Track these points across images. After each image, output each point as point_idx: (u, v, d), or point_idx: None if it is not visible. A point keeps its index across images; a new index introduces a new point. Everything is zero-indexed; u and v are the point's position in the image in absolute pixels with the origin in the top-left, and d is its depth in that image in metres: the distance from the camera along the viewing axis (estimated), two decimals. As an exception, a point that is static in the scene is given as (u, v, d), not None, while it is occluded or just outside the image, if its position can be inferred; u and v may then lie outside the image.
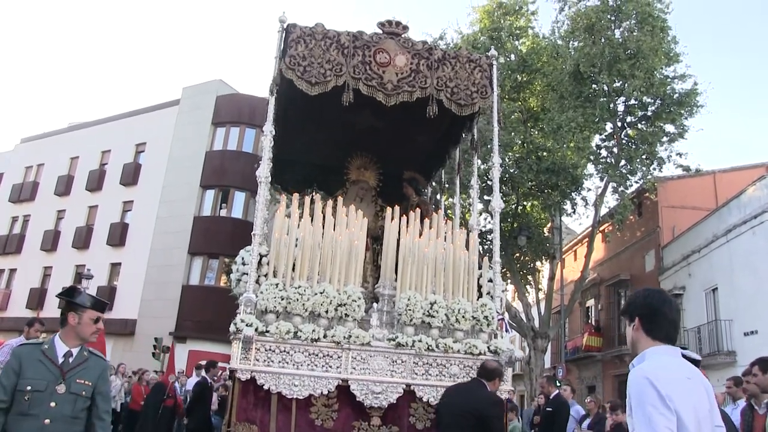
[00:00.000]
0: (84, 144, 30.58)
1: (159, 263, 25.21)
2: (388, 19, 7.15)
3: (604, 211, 20.98)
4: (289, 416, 5.63)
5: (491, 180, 11.25)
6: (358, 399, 5.70)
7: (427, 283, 6.31)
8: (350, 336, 5.78)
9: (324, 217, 6.33)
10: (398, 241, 6.49)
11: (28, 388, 3.21)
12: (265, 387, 5.58)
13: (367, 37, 6.89)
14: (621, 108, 19.96)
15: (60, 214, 30.43)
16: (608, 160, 19.99)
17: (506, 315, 6.75)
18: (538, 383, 14.07)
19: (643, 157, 19.14)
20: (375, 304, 6.31)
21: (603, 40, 18.84)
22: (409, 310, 6.04)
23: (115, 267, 27.32)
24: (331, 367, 5.74)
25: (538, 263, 22.87)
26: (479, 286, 6.65)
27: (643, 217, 23.55)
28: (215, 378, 10.77)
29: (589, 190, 21.41)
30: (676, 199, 22.05)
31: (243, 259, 6.29)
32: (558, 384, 10.99)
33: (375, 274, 7.73)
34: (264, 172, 6.52)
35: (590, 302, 27.60)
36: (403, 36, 7.02)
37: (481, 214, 18.83)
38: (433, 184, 10.66)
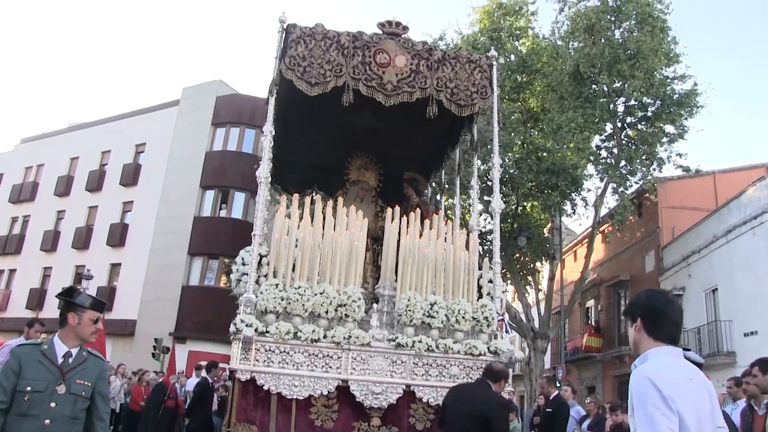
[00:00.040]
0: (84, 144, 30.57)
1: (159, 264, 25.20)
2: (388, 20, 7.15)
3: (604, 211, 20.98)
4: (289, 417, 5.63)
5: (491, 180, 11.26)
6: (358, 399, 5.70)
7: (427, 283, 6.31)
8: (350, 336, 5.78)
9: (324, 217, 6.33)
10: (398, 241, 6.49)
11: (28, 388, 3.20)
12: (265, 387, 5.58)
13: (367, 37, 6.90)
14: (621, 108, 19.96)
15: (60, 214, 30.41)
16: (608, 160, 19.98)
17: (506, 316, 6.75)
18: (538, 384, 14.05)
19: (643, 157, 19.14)
20: (375, 305, 6.31)
21: (603, 40, 18.84)
22: (409, 310, 6.04)
23: (114, 267, 27.31)
24: (331, 367, 5.74)
25: (538, 264, 22.86)
26: (479, 287, 6.65)
27: (643, 218, 23.55)
28: (215, 379, 10.77)
29: (589, 190, 21.43)
30: (676, 199, 22.04)
31: (243, 259, 6.29)
32: (558, 385, 11.00)
33: (375, 274, 7.73)
34: (264, 172, 6.52)
35: (590, 303, 27.59)
36: (403, 36, 7.03)
37: (481, 214, 18.84)
38: (433, 184, 10.66)
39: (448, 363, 6.01)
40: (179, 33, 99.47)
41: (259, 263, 6.11)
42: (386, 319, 6.25)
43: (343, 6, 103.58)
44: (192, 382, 12.94)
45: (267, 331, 5.67)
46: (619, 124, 19.97)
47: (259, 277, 6.07)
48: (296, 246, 6.13)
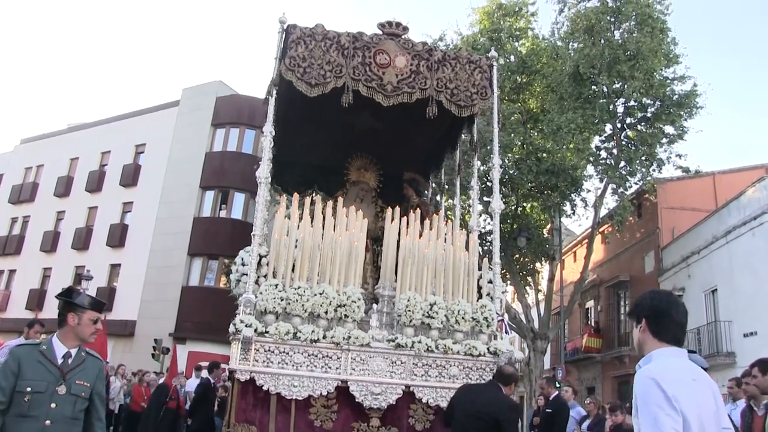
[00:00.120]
0: (84, 145, 30.57)
1: (159, 264, 25.20)
2: (388, 20, 7.16)
3: (603, 212, 20.98)
4: (289, 417, 5.63)
5: (491, 181, 11.25)
6: (357, 400, 5.70)
7: (427, 284, 6.30)
8: (350, 337, 5.78)
9: (324, 218, 6.33)
10: (398, 242, 6.49)
11: (28, 389, 3.19)
12: (265, 388, 5.58)
13: (367, 38, 6.90)
14: (621, 109, 19.96)
15: (60, 215, 30.41)
16: (608, 161, 19.98)
17: (506, 316, 6.75)
18: (538, 384, 14.05)
19: (643, 158, 19.14)
20: (375, 305, 6.31)
21: (603, 41, 18.84)
22: (409, 311, 6.04)
23: (114, 268, 27.30)
24: (330, 368, 5.74)
25: (537, 264, 22.85)
26: (479, 288, 6.65)
27: (643, 219, 23.55)
28: (216, 379, 10.77)
29: (589, 191, 21.43)
30: (675, 200, 22.04)
31: (242, 259, 6.29)
32: (558, 385, 11.00)
33: (375, 275, 7.73)
34: (264, 172, 6.52)
35: (590, 303, 27.59)
36: (403, 37, 7.03)
37: (480, 215, 18.83)
38: (433, 185, 10.66)
39: (447, 363, 6.01)
40: (179, 33, 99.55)
41: (259, 263, 6.11)
42: (386, 320, 6.25)
43: (343, 6, 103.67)
44: (192, 383, 12.93)
45: (266, 332, 5.67)
46: (618, 125, 19.97)
47: (258, 277, 6.07)
48: (296, 246, 6.13)
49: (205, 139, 26.65)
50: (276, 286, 5.83)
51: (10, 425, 3.17)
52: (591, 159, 19.71)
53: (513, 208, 20.77)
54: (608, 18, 18.99)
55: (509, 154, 19.47)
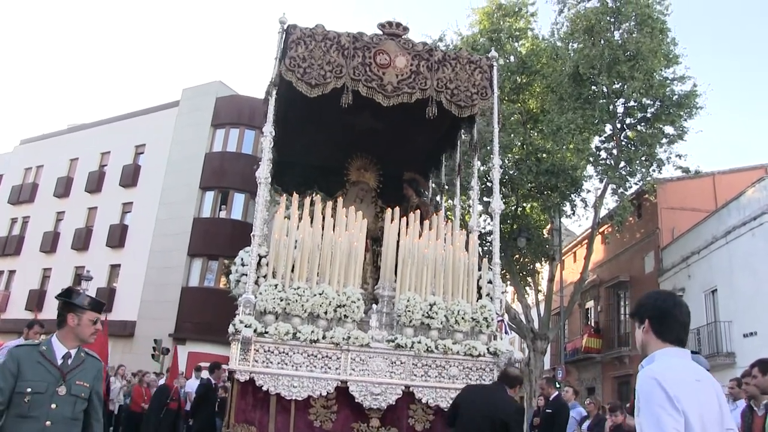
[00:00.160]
0: (83, 145, 30.57)
1: (158, 265, 25.19)
2: (388, 21, 7.16)
3: (603, 212, 20.98)
4: (288, 417, 5.63)
5: (491, 181, 11.25)
6: (357, 400, 5.70)
7: (427, 284, 6.30)
8: (349, 337, 5.78)
9: (323, 218, 6.32)
10: (398, 242, 6.49)
11: (28, 390, 3.18)
12: (264, 388, 5.58)
13: (368, 38, 6.90)
14: (620, 109, 19.97)
15: (59, 215, 30.40)
16: (608, 161, 19.99)
17: (506, 316, 6.74)
18: (538, 385, 14.05)
19: (643, 158, 19.14)
20: (374, 306, 6.30)
21: (602, 41, 18.84)
22: (409, 311, 6.03)
23: (114, 268, 27.29)
24: (330, 368, 5.74)
25: (537, 265, 22.85)
26: (479, 288, 6.64)
27: (643, 219, 23.55)
28: (217, 380, 10.76)
29: (589, 191, 21.42)
30: (675, 200, 22.04)
31: (242, 260, 6.29)
32: (558, 386, 10.99)
33: (375, 275, 7.72)
34: (263, 173, 6.52)
35: (590, 304, 27.58)
36: (403, 37, 7.03)
37: (480, 215, 18.83)
38: (433, 185, 10.66)
39: (447, 364, 6.00)
40: (179, 34, 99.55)
41: (259, 264, 6.10)
42: (385, 320, 6.25)
43: (343, 6, 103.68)
44: (191, 384, 12.93)
45: (266, 332, 5.67)
46: (618, 125, 19.97)
47: (258, 277, 6.07)
48: (295, 247, 6.13)
49: (204, 139, 26.65)
50: (275, 286, 5.83)
51: (11, 426, 3.16)
52: (591, 159, 19.71)
53: (513, 208, 20.77)
54: (608, 18, 18.99)
55: (509, 155, 19.47)
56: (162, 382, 14.19)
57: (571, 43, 19.93)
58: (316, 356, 5.74)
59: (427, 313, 6.06)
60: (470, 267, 6.56)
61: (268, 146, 6.81)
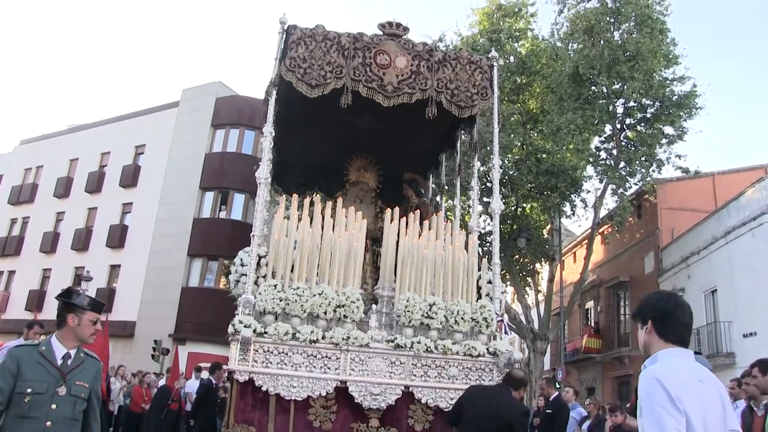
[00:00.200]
0: (83, 146, 30.57)
1: (158, 265, 25.19)
2: (388, 21, 7.15)
3: (603, 212, 20.98)
4: (288, 418, 5.62)
5: (491, 182, 11.25)
6: (356, 400, 5.69)
7: (426, 284, 6.30)
8: (349, 337, 5.77)
9: (323, 218, 6.32)
10: (398, 242, 6.48)
11: (29, 390, 3.18)
12: (264, 388, 5.57)
13: (368, 38, 6.89)
14: (620, 110, 19.97)
15: (59, 215, 30.41)
16: (607, 162, 19.99)
17: (506, 317, 6.74)
18: (538, 385, 14.05)
19: (643, 159, 19.15)
20: (374, 306, 6.30)
21: (602, 42, 18.85)
22: (408, 311, 6.03)
23: (114, 269, 27.29)
24: (329, 368, 5.73)
25: (537, 265, 22.85)
26: (478, 288, 6.64)
27: (643, 219, 23.55)
28: (218, 380, 10.76)
29: (589, 192, 21.43)
30: (675, 200, 22.04)
31: (241, 260, 6.29)
32: (558, 386, 10.99)
33: (375, 275, 7.72)
34: (263, 173, 6.51)
35: (590, 304, 27.58)
36: (403, 37, 7.03)
37: (480, 215, 18.83)
38: (433, 186, 10.66)
39: (447, 364, 5.99)
40: (179, 34, 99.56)
41: (258, 264, 6.10)
42: (385, 320, 6.24)
43: (343, 6, 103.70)
44: (191, 384, 12.93)
45: (265, 332, 5.66)
46: (618, 126, 19.98)
47: (257, 278, 6.06)
48: (295, 247, 6.12)
49: (204, 139, 26.65)
50: (275, 286, 5.83)
51: (11, 426, 3.16)
52: (591, 160, 19.72)
53: (513, 208, 20.77)
54: (608, 19, 19.00)
55: (509, 155, 19.48)
56: (162, 382, 14.20)
57: (570, 44, 19.94)
58: (315, 356, 5.73)
59: (427, 313, 6.06)
60: (470, 267, 6.55)
61: (267, 146, 6.81)
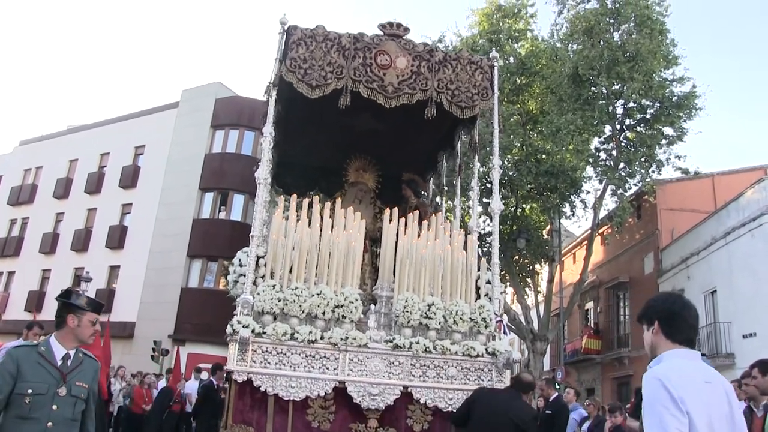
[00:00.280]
0: (83, 146, 30.57)
1: (158, 266, 25.18)
2: (389, 21, 7.14)
3: (603, 213, 20.99)
4: (286, 418, 5.61)
5: (491, 182, 11.24)
6: (355, 401, 5.68)
7: (425, 284, 6.29)
8: (347, 338, 5.76)
9: (322, 218, 6.32)
10: (397, 242, 6.48)
11: (29, 391, 3.18)
12: (262, 389, 5.56)
13: (368, 38, 6.89)
14: (620, 111, 19.98)
15: (59, 216, 30.40)
16: (607, 162, 20.00)
17: (505, 317, 6.72)
18: (538, 386, 14.03)
19: (642, 159, 19.15)
20: (373, 306, 6.30)
21: (602, 42, 18.86)
22: (407, 311, 6.02)
23: (114, 270, 27.28)
24: (328, 368, 5.72)
25: (537, 266, 22.85)
26: (477, 288, 6.63)
27: (642, 220, 23.55)
28: (218, 381, 10.75)
29: (588, 192, 21.45)
30: (674, 201, 22.05)
31: (240, 260, 6.29)
32: (557, 387, 10.98)
33: (374, 275, 7.71)
34: (263, 173, 6.50)
35: (589, 305, 27.58)
36: (404, 38, 7.02)
37: (480, 216, 18.82)
38: (433, 186, 10.65)
39: (445, 364, 5.98)
40: (178, 35, 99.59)
41: (257, 264, 6.09)
42: (384, 321, 6.23)
43: (343, 7, 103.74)
44: (191, 385, 12.92)
45: (264, 332, 5.65)
46: (618, 126, 19.99)
47: (256, 278, 6.05)
48: (293, 248, 6.12)
49: (204, 140, 26.65)
50: (273, 286, 5.82)
51: (11, 427, 3.15)
52: (590, 160, 19.72)
53: (512, 209, 20.77)
54: (607, 19, 19.01)
55: (509, 156, 19.48)
56: (162, 383, 14.20)
57: (570, 44, 19.95)
58: (314, 357, 5.72)
59: (426, 313, 6.05)
60: (469, 267, 6.54)
61: (267, 147, 6.80)
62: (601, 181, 20.23)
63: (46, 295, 27.40)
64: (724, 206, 18.84)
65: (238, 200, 25.76)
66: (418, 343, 5.90)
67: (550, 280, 21.26)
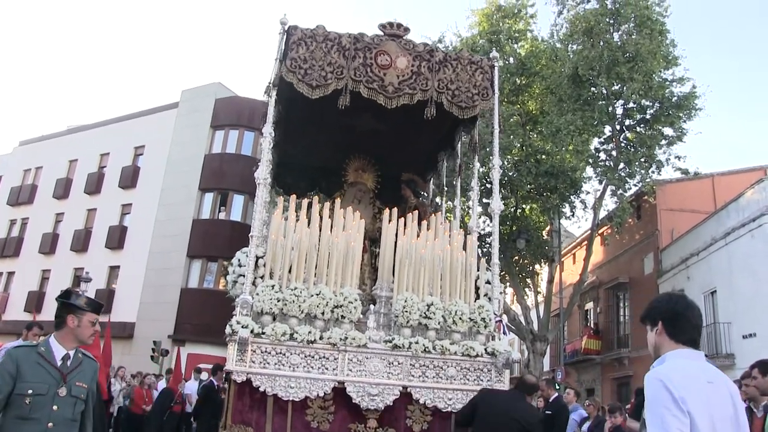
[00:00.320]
0: (83, 147, 30.57)
1: (158, 266, 25.18)
2: (389, 21, 7.14)
3: (602, 214, 20.98)
4: (285, 418, 5.61)
5: (491, 183, 11.23)
6: (354, 401, 5.67)
7: (424, 284, 6.28)
8: (346, 338, 5.76)
9: (321, 219, 6.31)
10: (396, 242, 6.47)
11: (29, 391, 3.17)
12: (261, 389, 5.56)
13: (369, 39, 6.88)
14: (620, 111, 19.98)
15: (58, 217, 30.40)
16: (607, 163, 20.00)
17: (505, 317, 6.71)
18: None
19: (642, 160, 19.16)
20: (372, 306, 6.29)
21: (602, 43, 18.86)
22: (406, 311, 6.01)
23: (113, 270, 27.28)
24: (327, 369, 5.72)
25: (537, 266, 22.85)
26: (477, 288, 6.62)
27: (642, 220, 23.55)
28: (219, 381, 10.75)
29: (588, 193, 21.45)
30: (674, 202, 22.04)
31: (239, 260, 6.28)
32: (557, 387, 10.97)
33: (373, 276, 7.70)
34: (262, 173, 6.49)
35: (589, 305, 27.58)
36: (404, 38, 7.01)
37: (480, 216, 18.82)
38: (433, 187, 10.64)
39: (445, 364, 5.98)
40: (178, 35, 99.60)
41: (256, 265, 6.09)
42: (383, 321, 6.23)
43: (343, 7, 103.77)
44: (191, 385, 12.92)
45: (263, 333, 5.65)
46: (617, 127, 19.99)
47: (255, 278, 6.05)
48: (293, 248, 6.12)
49: (204, 140, 26.65)
50: (272, 287, 5.81)
51: (11, 428, 3.15)
52: (590, 161, 19.72)
53: (512, 209, 20.77)
54: (607, 20, 19.01)
55: (508, 156, 19.48)
56: (162, 383, 14.19)
57: (570, 45, 19.95)
58: (313, 357, 5.72)
59: (425, 313, 6.04)
60: (468, 267, 6.54)
61: (267, 147, 6.80)
62: (600, 182, 20.24)
63: (45, 296, 27.40)
64: (724, 207, 18.84)
65: (237, 200, 25.76)
66: (417, 343, 5.89)
67: (550, 281, 21.26)
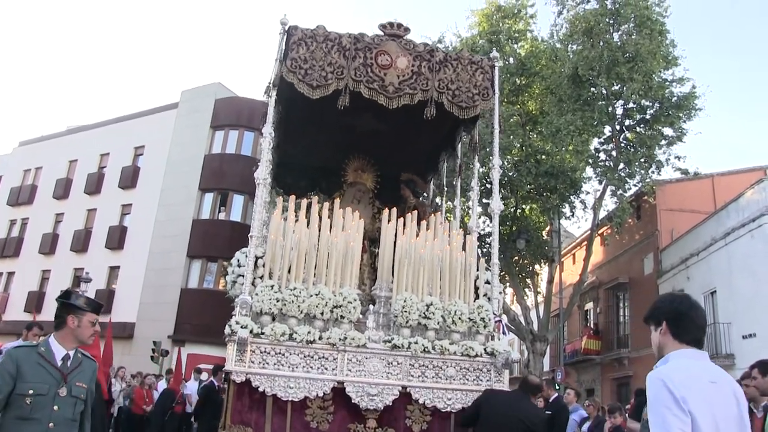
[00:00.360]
0: (82, 147, 30.57)
1: (157, 266, 25.18)
2: (389, 21, 7.13)
3: (602, 214, 20.99)
4: (285, 419, 5.60)
5: (491, 183, 11.23)
6: (353, 401, 5.67)
7: (424, 284, 6.27)
8: (346, 338, 5.75)
9: (320, 219, 6.31)
10: (395, 243, 6.47)
11: (30, 391, 3.17)
12: (260, 389, 5.55)
13: (369, 39, 6.87)
14: (619, 111, 20.00)
15: (58, 217, 30.41)
16: (607, 163, 20.00)
17: (504, 317, 6.71)
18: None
19: (642, 160, 19.16)
20: (371, 306, 6.29)
21: (601, 43, 18.87)
22: (405, 311, 6.01)
23: (113, 270, 27.29)
24: (326, 369, 5.71)
25: (536, 266, 22.86)
26: (476, 288, 6.62)
27: (642, 221, 23.56)
28: (219, 381, 10.75)
29: (588, 193, 21.46)
30: (674, 202, 22.05)
31: (239, 261, 6.27)
32: (557, 387, 10.96)
33: (372, 276, 7.70)
34: (262, 173, 6.49)
35: (589, 305, 27.59)
36: (404, 38, 7.01)
37: (480, 216, 18.82)
38: (433, 187, 10.64)
39: (444, 364, 5.97)
40: (178, 35, 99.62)
41: (255, 265, 6.08)
42: (382, 321, 6.22)
43: (343, 7, 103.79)
44: (191, 386, 12.92)
45: (262, 333, 5.64)
46: (617, 127, 19.99)
47: (254, 278, 6.04)
48: (292, 248, 6.11)
49: (204, 141, 26.66)
50: (272, 287, 5.81)
51: (12, 428, 3.15)
52: (590, 161, 19.73)
53: (512, 210, 20.77)
54: (607, 20, 19.02)
55: (508, 156, 19.49)
56: (162, 383, 14.20)
57: (570, 45, 19.96)
58: (312, 357, 5.71)
59: (424, 313, 6.04)
60: (467, 267, 6.53)
61: (267, 147, 6.79)
62: (600, 182, 20.25)
63: (45, 296, 27.40)
64: (724, 207, 18.84)
65: (237, 201, 25.77)
66: (416, 343, 5.89)
67: (550, 281, 21.26)
